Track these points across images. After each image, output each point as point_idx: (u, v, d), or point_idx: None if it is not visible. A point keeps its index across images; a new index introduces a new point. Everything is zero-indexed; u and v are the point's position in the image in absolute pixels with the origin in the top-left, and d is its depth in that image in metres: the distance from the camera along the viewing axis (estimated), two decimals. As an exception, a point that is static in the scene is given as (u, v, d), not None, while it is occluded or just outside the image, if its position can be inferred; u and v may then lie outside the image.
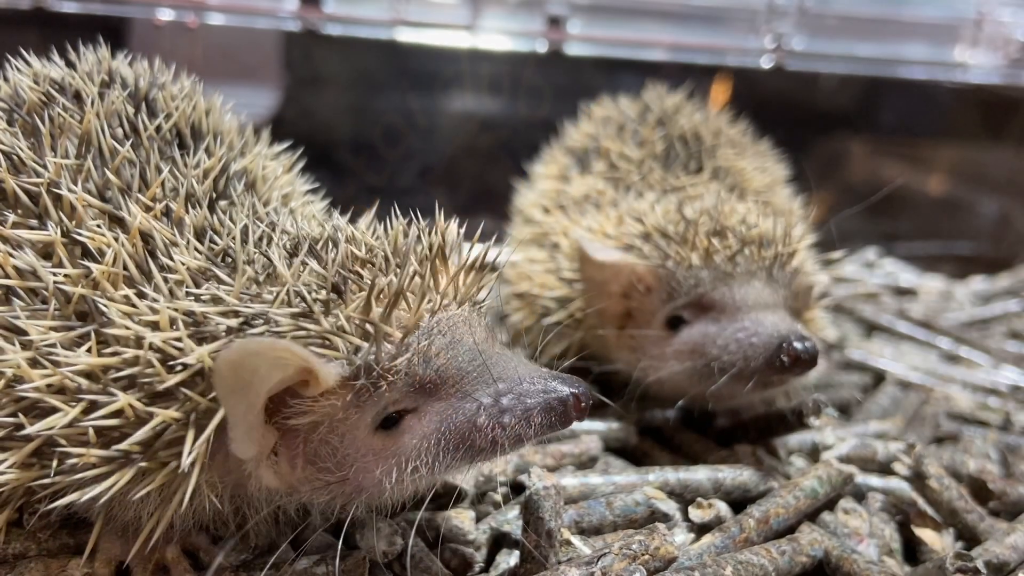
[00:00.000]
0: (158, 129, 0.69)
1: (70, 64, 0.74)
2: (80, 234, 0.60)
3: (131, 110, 0.69)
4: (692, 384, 0.85)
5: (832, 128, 1.88)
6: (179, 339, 0.54)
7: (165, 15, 1.38)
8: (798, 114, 1.82)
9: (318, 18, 1.42)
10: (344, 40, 1.50)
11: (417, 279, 0.58)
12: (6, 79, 0.71)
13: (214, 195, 0.67)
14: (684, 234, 0.86)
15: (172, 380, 0.53)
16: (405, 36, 1.47)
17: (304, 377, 0.54)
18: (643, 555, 0.67)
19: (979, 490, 0.86)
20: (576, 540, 0.70)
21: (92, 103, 0.68)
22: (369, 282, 0.56)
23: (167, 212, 0.63)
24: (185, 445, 0.53)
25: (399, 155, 1.80)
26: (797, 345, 0.78)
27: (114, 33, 1.52)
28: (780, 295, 0.85)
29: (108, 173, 0.63)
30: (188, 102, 0.73)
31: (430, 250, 0.61)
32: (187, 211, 0.63)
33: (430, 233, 0.62)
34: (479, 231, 0.70)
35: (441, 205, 0.68)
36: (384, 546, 0.69)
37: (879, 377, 1.21)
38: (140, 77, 0.74)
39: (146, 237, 0.60)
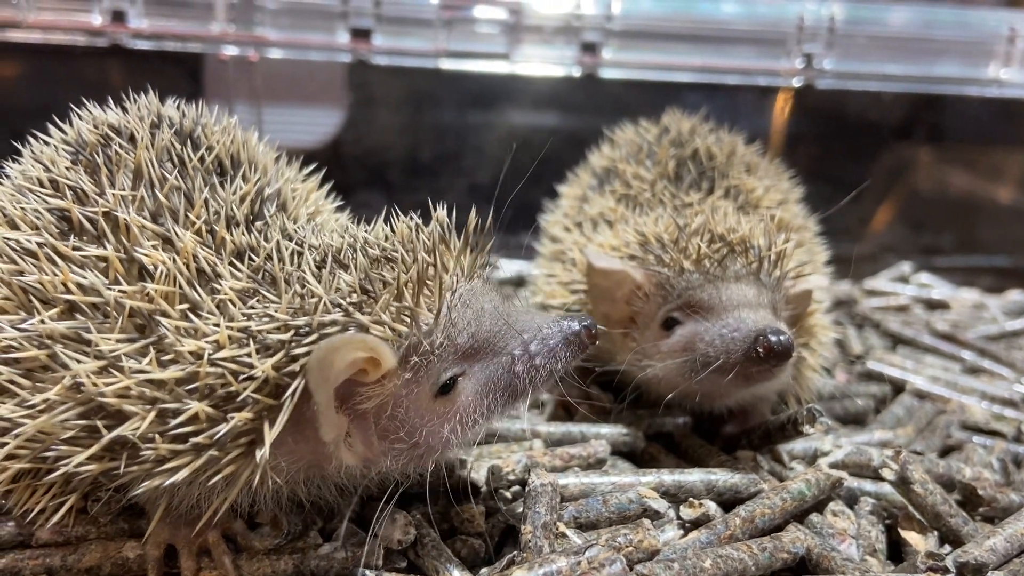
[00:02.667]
0: (201, 160, 0.79)
1: (124, 109, 0.84)
2: (138, 251, 0.69)
3: (178, 145, 0.79)
4: (683, 379, 0.92)
5: (886, 142, 1.91)
6: (247, 354, 0.63)
7: (229, 51, 1.50)
8: (851, 129, 1.86)
9: (368, 50, 1.52)
10: (397, 68, 1.60)
11: (430, 267, 0.68)
12: (71, 124, 0.82)
13: (251, 217, 0.77)
14: (677, 241, 0.94)
15: (244, 389, 0.63)
16: (448, 65, 1.55)
17: (367, 366, 0.64)
18: (627, 547, 0.74)
19: (970, 496, 0.91)
20: (571, 533, 0.78)
21: (143, 140, 0.78)
22: (394, 278, 0.66)
23: (211, 232, 0.73)
24: (265, 437, 0.63)
25: (448, 174, 1.89)
26: (771, 338, 0.84)
27: (190, 66, 1.65)
28: (766, 297, 0.91)
29: (160, 196, 0.73)
30: (227, 136, 0.83)
31: (435, 239, 0.71)
32: (228, 232, 0.73)
33: (429, 226, 0.73)
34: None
35: (486, 220, 0.78)
36: (399, 535, 0.77)
37: (899, 388, 1.25)
38: (185, 117, 0.84)
39: (194, 257, 0.70)
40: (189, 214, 0.73)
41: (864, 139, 1.87)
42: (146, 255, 0.69)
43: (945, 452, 1.07)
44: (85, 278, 0.68)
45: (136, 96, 0.86)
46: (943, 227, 1.96)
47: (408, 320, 0.66)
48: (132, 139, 0.78)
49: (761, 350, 0.84)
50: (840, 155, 1.84)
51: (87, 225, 0.72)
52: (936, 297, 1.64)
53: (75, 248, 0.70)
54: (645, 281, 0.95)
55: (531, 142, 1.84)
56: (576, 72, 1.57)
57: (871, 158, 1.91)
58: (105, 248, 0.70)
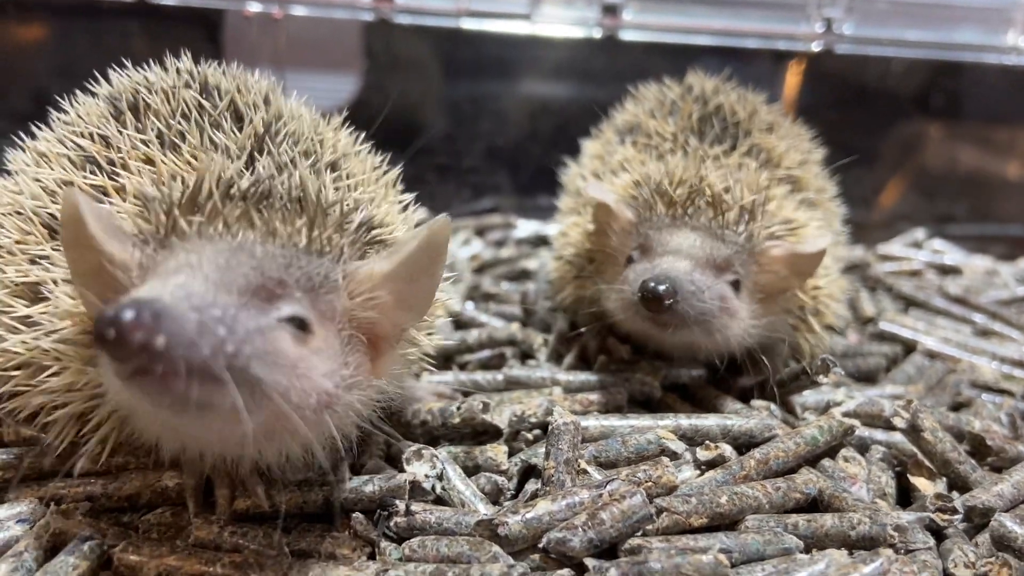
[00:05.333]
0: (215, 107, 0.82)
1: (165, 68, 0.88)
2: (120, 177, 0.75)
3: (200, 98, 0.82)
4: (625, 316, 0.97)
5: (897, 110, 1.92)
6: None
7: (254, 7, 1.52)
8: (867, 96, 1.86)
9: (390, 8, 1.54)
10: (416, 28, 1.61)
11: None
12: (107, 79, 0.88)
13: (254, 152, 0.78)
14: (660, 185, 0.97)
15: None
16: (469, 25, 1.57)
17: None
18: (647, 482, 0.76)
19: (979, 446, 0.93)
20: (591, 470, 0.81)
21: (167, 93, 0.83)
22: None
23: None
24: None
25: (466, 136, 1.92)
26: (651, 284, 0.88)
27: (210, 23, 1.67)
28: (718, 251, 0.94)
29: (168, 137, 0.78)
30: (251, 90, 0.86)
31: None
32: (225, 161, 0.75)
33: None
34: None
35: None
36: (427, 469, 0.80)
37: (909, 349, 1.27)
38: (213, 73, 0.87)
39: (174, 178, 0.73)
40: (184, 148, 0.77)
41: (880, 106, 1.87)
42: (129, 177, 0.74)
43: (955, 408, 1.10)
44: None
45: (170, 57, 0.90)
46: (957, 195, 1.97)
47: None
48: (157, 92, 0.83)
49: (646, 293, 0.88)
50: (855, 122, 1.84)
51: (107, 166, 0.77)
52: (949, 263, 1.65)
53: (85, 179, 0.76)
54: (620, 216, 0.99)
55: (549, 107, 1.86)
56: (597, 34, 1.58)
57: (887, 125, 1.92)
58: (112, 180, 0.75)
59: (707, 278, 0.93)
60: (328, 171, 0.80)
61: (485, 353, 1.11)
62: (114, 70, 0.89)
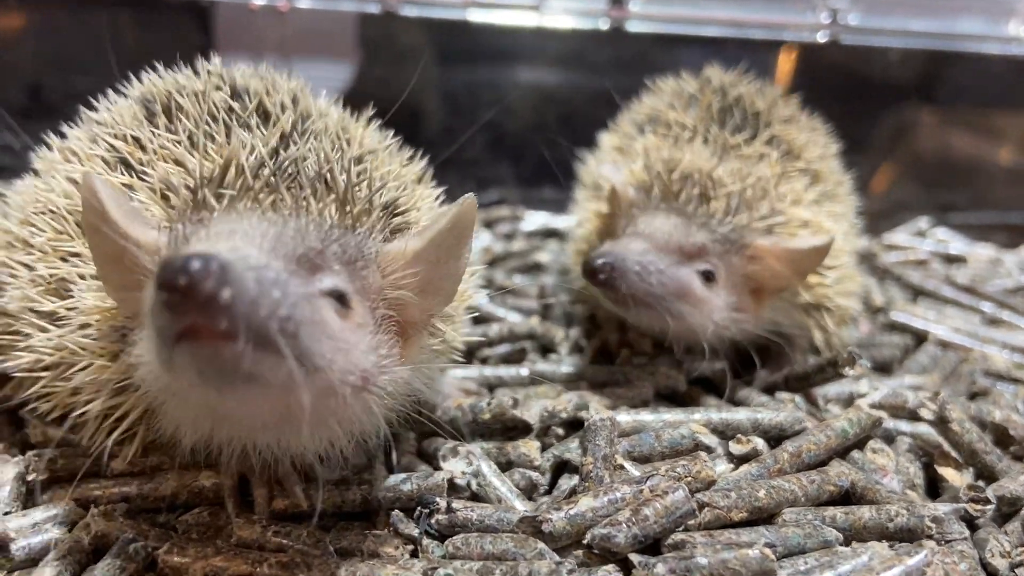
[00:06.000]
0: (244, 108, 0.81)
1: (196, 72, 0.88)
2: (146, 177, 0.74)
3: (230, 100, 0.82)
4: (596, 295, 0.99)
5: (897, 99, 1.93)
6: None
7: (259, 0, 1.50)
8: (863, 86, 1.87)
9: (396, 0, 1.53)
10: (422, 20, 1.61)
11: None
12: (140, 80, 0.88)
13: (279, 149, 0.76)
14: (660, 171, 0.99)
15: None
16: (476, 16, 1.56)
17: None
18: (686, 477, 0.77)
19: (1002, 436, 0.94)
20: (628, 465, 0.81)
21: (198, 95, 0.82)
22: None
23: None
24: None
25: (468, 127, 1.91)
26: (589, 258, 0.91)
27: (201, 14, 1.66)
28: (689, 238, 0.94)
29: (197, 137, 0.77)
30: (276, 88, 0.85)
31: None
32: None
33: None
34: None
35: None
36: (463, 466, 0.80)
37: (921, 338, 1.28)
38: (242, 75, 0.86)
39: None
40: (211, 147, 0.76)
41: (882, 96, 1.88)
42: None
43: (971, 397, 1.11)
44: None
45: (202, 57, 0.90)
46: (958, 184, 1.98)
47: None
48: (188, 95, 0.82)
49: (586, 268, 0.90)
50: (857, 112, 1.85)
51: (137, 166, 0.77)
52: (954, 252, 1.67)
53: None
54: (624, 197, 1.01)
55: (554, 98, 1.86)
56: (604, 25, 1.58)
57: (887, 114, 1.92)
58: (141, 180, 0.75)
59: (663, 262, 0.93)
60: (354, 164, 0.79)
61: (505, 347, 1.11)
62: (145, 70, 0.88)
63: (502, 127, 1.88)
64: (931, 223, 1.79)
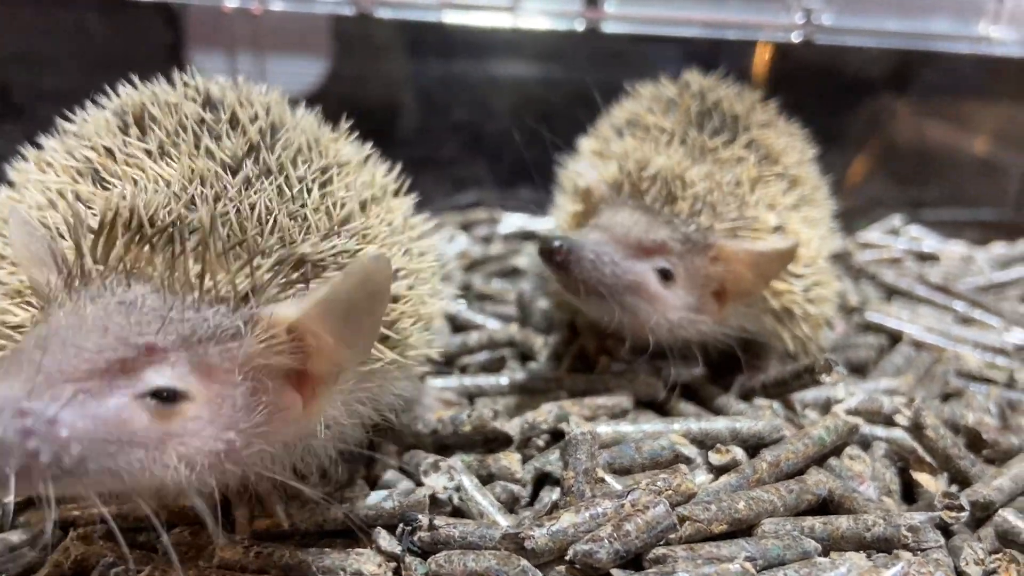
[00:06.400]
0: (216, 121, 0.80)
1: (172, 83, 0.88)
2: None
3: (199, 110, 0.81)
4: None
5: (870, 98, 1.95)
6: None
7: (232, 2, 1.49)
8: (836, 85, 1.89)
9: (371, 3, 1.52)
10: (397, 23, 1.60)
11: None
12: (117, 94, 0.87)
13: (244, 159, 0.76)
14: (631, 169, 0.99)
15: None
16: (451, 18, 1.56)
17: None
18: (667, 491, 0.77)
19: (974, 439, 0.96)
20: (609, 478, 0.81)
21: (171, 108, 0.81)
22: None
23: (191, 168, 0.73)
24: None
25: (444, 128, 1.90)
26: (545, 239, 0.92)
27: (173, 15, 1.64)
28: (649, 234, 0.95)
29: (165, 148, 0.76)
30: (250, 101, 0.84)
31: None
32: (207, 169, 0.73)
33: None
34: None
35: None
36: (444, 481, 0.81)
37: (895, 339, 1.30)
38: (217, 88, 0.86)
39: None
40: (178, 156, 0.75)
41: (854, 95, 1.90)
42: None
43: (945, 398, 1.12)
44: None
45: (179, 70, 0.89)
46: (928, 181, 2.00)
47: None
48: (162, 106, 0.82)
49: (536, 246, 0.92)
50: (830, 110, 1.87)
51: (105, 176, 0.76)
52: (927, 250, 1.69)
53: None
54: (596, 192, 1.02)
55: (530, 99, 1.86)
56: (579, 26, 1.58)
57: (860, 113, 1.94)
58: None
59: (619, 255, 0.94)
60: (315, 183, 0.77)
61: (484, 355, 1.11)
62: (117, 75, 0.88)
63: (479, 127, 1.89)
64: (904, 220, 1.81)
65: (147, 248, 0.60)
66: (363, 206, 0.79)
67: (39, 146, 0.87)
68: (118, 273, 0.59)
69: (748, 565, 0.68)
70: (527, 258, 1.45)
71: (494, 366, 1.09)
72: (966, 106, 1.97)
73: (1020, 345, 1.26)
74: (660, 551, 0.72)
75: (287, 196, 0.72)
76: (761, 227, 0.96)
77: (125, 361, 0.56)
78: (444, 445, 0.91)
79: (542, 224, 1.59)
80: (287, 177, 0.75)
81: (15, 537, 0.75)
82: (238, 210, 0.66)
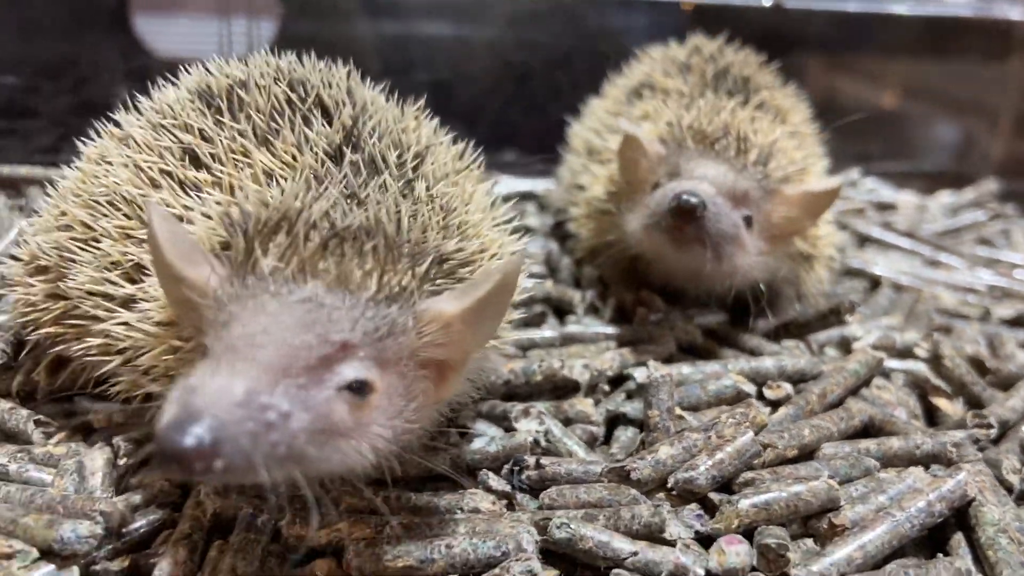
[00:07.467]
0: (303, 101, 0.83)
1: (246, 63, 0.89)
2: (220, 172, 0.76)
3: (287, 91, 0.83)
4: (642, 236, 1.04)
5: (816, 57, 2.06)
6: None
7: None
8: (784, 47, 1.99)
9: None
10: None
11: None
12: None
13: (343, 147, 0.79)
14: (691, 124, 1.06)
15: None
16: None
17: None
18: (745, 423, 0.86)
19: (978, 367, 1.07)
20: (686, 415, 0.89)
21: (259, 89, 0.83)
22: None
23: (294, 157, 0.77)
24: None
25: (408, 92, 1.92)
26: (683, 196, 0.95)
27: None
28: (740, 182, 1.02)
29: (261, 132, 0.79)
30: (330, 81, 0.87)
31: None
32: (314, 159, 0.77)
33: None
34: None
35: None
36: (535, 425, 0.87)
37: (875, 282, 1.42)
38: (298, 68, 0.88)
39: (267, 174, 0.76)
40: (278, 144, 0.78)
41: (801, 55, 2.00)
42: (231, 175, 0.76)
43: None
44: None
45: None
46: (872, 136, 2.14)
47: None
48: (250, 88, 0.84)
49: (674, 204, 0.95)
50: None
51: (206, 159, 0.78)
52: (885, 200, 1.82)
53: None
54: (650, 150, 1.06)
55: (509, 62, 1.90)
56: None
57: (809, 72, 2.05)
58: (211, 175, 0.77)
59: (726, 205, 1.00)
60: (419, 179, 0.80)
61: (521, 312, 1.17)
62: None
63: (448, 90, 1.91)
64: (862, 173, 1.94)
65: (320, 247, 0.64)
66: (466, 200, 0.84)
67: (116, 123, 0.88)
68: (295, 271, 0.62)
69: (832, 481, 0.77)
70: (536, 218, 1.50)
71: (535, 321, 1.15)
72: (910, 64, 2.10)
73: (991, 284, 1.39)
74: (748, 475, 0.80)
75: (402, 190, 0.76)
76: (805, 173, 1.05)
77: (327, 357, 0.60)
78: (514, 394, 0.97)
79: (533, 185, 1.64)
80: (389, 167, 0.79)
81: (137, 498, 0.78)
82: (385, 208, 0.70)
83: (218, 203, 0.73)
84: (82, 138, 0.90)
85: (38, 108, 1.74)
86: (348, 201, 0.71)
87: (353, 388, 0.61)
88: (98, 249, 0.79)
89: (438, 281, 0.69)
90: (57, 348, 0.85)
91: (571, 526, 0.71)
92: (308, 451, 0.58)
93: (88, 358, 0.81)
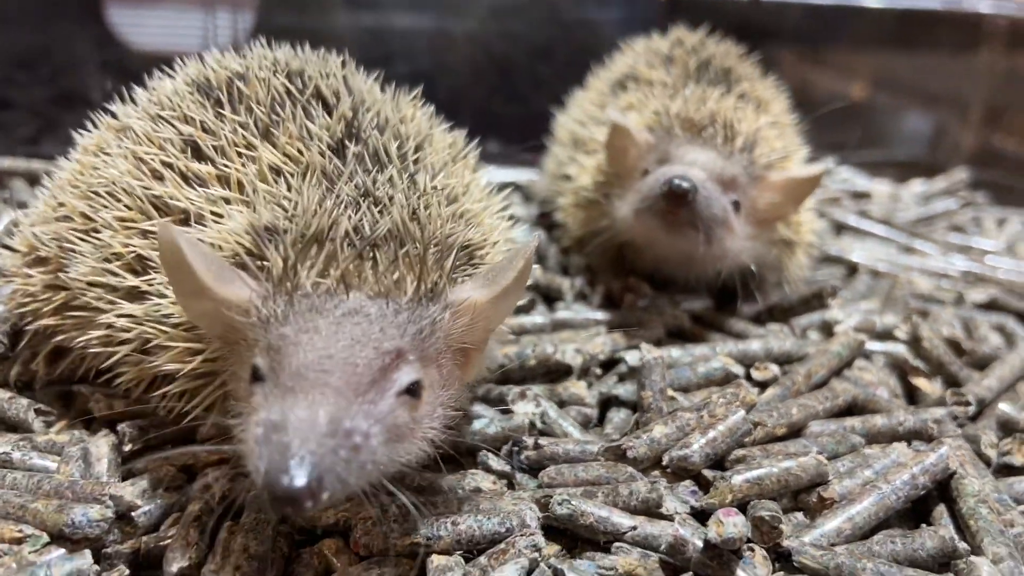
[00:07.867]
0: (302, 93, 0.85)
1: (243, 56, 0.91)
2: (227, 166, 0.77)
3: (286, 83, 0.85)
4: (633, 222, 1.07)
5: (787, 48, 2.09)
6: None
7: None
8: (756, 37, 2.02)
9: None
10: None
11: None
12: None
13: (345, 140, 0.81)
14: (679, 114, 1.09)
15: None
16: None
17: None
18: (735, 402, 0.88)
19: (955, 349, 1.11)
20: (678, 396, 0.92)
21: (257, 81, 0.84)
22: None
23: (299, 151, 0.78)
24: None
25: (390, 78, 1.93)
26: (675, 180, 0.98)
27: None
28: (727, 168, 1.05)
29: (261, 125, 0.80)
30: (327, 72, 0.89)
31: None
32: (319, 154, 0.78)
33: None
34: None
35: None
36: (532, 408, 0.89)
37: (853, 268, 1.45)
38: (295, 59, 0.89)
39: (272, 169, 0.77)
40: (281, 137, 0.79)
41: (771, 45, 2.04)
42: (237, 169, 0.77)
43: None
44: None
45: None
46: (847, 126, 2.18)
47: None
48: (249, 80, 0.85)
49: (665, 188, 0.98)
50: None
51: (209, 152, 0.79)
52: (859, 189, 1.86)
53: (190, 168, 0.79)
54: (639, 138, 1.09)
55: (490, 51, 1.91)
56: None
57: (782, 63, 2.09)
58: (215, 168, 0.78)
59: (716, 189, 1.03)
60: (421, 171, 0.82)
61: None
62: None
63: (429, 82, 1.92)
64: (836, 162, 1.98)
65: (356, 257, 0.66)
66: (464, 189, 0.86)
67: (112, 114, 0.89)
68: (335, 284, 0.64)
69: (820, 457, 0.80)
70: (521, 208, 1.52)
71: (525, 307, 1.17)
72: (883, 56, 2.14)
73: (964, 269, 1.44)
74: (740, 452, 0.83)
75: (407, 183, 0.78)
76: (788, 161, 1.08)
77: (384, 367, 0.62)
78: (509, 378, 0.99)
79: (515, 175, 1.66)
80: (392, 160, 0.80)
81: (144, 483, 0.79)
82: (401, 207, 0.72)
83: (240, 211, 0.74)
84: (72, 129, 0.91)
85: (15, 100, 1.73)
86: (363, 200, 0.73)
87: (409, 390, 0.64)
88: (98, 240, 0.80)
89: (459, 269, 0.73)
90: (57, 339, 0.86)
91: (572, 502, 0.73)
92: (386, 459, 0.62)
93: (90, 349, 0.82)
